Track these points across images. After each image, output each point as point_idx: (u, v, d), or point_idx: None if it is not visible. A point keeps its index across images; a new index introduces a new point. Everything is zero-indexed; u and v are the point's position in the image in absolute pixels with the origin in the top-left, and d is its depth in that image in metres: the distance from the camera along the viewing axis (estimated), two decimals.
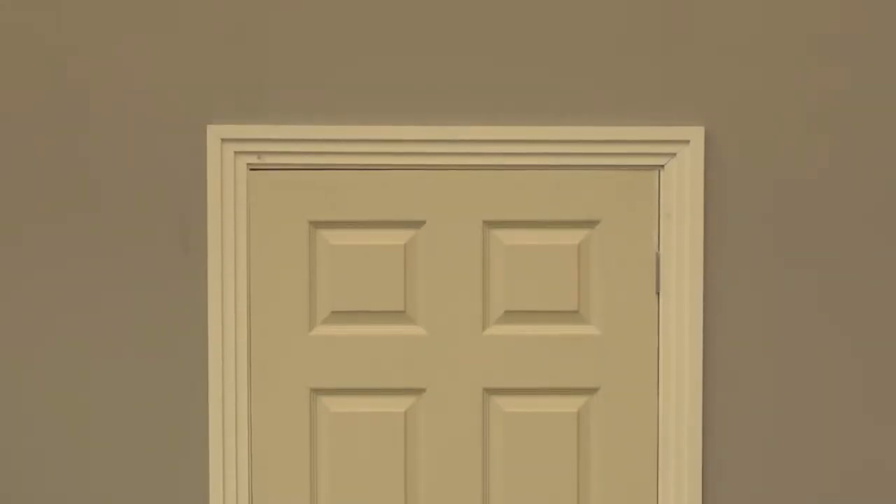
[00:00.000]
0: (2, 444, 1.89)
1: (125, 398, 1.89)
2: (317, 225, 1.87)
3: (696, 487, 1.87)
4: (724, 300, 1.87)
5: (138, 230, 1.86)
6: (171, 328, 1.87)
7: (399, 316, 1.88)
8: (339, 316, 1.88)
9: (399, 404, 1.89)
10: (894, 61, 1.86)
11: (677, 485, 1.88)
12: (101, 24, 1.84)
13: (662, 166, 1.86)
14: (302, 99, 1.85)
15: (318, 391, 1.89)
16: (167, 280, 1.86)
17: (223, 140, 1.83)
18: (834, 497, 1.91)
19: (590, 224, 1.88)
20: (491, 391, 1.89)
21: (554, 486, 1.90)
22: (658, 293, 1.87)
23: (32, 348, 1.88)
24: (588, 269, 1.88)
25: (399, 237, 1.88)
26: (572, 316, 1.89)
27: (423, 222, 1.87)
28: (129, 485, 1.90)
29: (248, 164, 1.85)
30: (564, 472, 1.90)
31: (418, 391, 1.89)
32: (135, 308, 1.87)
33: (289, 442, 1.89)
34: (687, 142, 1.84)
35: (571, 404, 1.89)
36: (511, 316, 1.88)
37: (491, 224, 1.88)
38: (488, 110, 1.85)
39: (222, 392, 1.85)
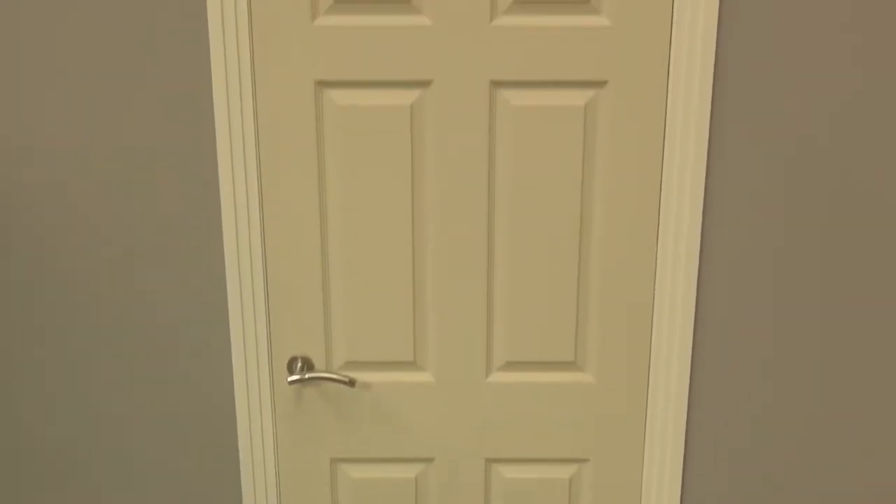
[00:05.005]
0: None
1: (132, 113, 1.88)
2: None
3: (699, 180, 1.88)
4: None
5: None
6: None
7: (405, 6, 1.82)
8: (343, 6, 1.81)
9: (405, 97, 1.87)
10: None
11: (680, 174, 1.89)
12: None
13: None
14: None
15: (323, 84, 1.86)
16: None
17: None
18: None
19: None
20: (498, 84, 1.85)
21: (559, 180, 1.91)
22: None
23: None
24: None
25: None
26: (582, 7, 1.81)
27: None
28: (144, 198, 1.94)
29: None
30: (570, 166, 1.90)
31: (425, 83, 1.86)
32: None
33: (295, 137, 1.88)
34: None
35: (579, 97, 1.86)
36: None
37: None
38: None
39: (226, 80, 1.83)
